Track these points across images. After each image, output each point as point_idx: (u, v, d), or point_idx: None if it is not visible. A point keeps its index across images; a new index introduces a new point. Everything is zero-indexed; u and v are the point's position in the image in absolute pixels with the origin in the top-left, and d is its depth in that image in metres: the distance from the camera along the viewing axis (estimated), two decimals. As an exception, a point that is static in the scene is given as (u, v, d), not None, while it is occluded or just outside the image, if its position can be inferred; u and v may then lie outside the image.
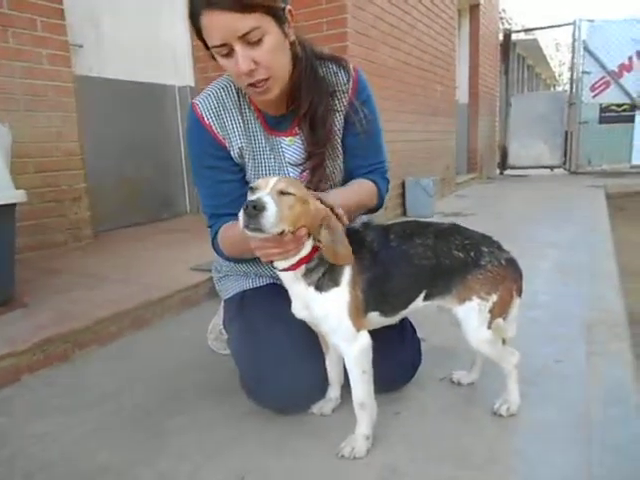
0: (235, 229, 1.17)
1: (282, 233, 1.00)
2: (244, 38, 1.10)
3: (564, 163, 9.31)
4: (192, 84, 4.36)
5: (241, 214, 0.97)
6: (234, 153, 1.33)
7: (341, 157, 1.39)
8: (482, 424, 1.30)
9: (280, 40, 1.16)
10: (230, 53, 1.13)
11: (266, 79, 1.17)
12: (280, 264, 1.12)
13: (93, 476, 1.17)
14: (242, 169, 1.36)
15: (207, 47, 1.18)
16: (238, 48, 1.11)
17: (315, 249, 1.11)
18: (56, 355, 1.76)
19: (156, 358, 1.81)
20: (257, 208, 0.95)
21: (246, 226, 0.97)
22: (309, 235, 1.09)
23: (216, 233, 1.35)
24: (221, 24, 1.09)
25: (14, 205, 2.03)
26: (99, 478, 1.16)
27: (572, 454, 1.17)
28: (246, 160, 1.34)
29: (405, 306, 1.25)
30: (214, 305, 1.86)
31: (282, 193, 1.01)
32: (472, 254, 1.21)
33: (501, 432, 1.27)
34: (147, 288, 2.24)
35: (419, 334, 1.50)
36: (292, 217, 1.01)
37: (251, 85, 1.18)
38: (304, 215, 1.04)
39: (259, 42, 1.12)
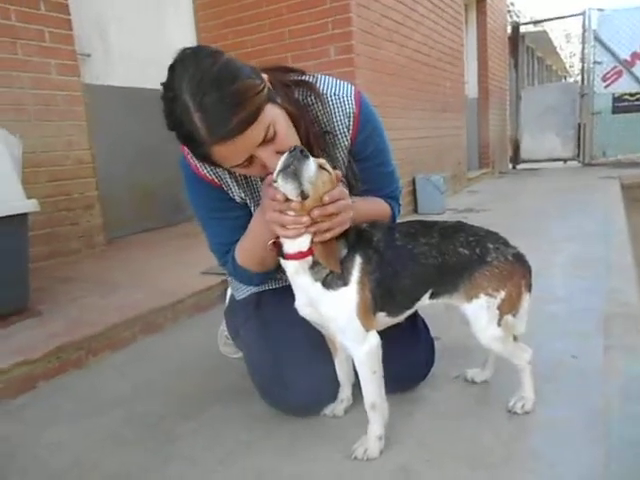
0: (252, 228, 1.18)
1: (304, 199, 1.00)
2: (263, 141, 1.04)
3: (577, 155, 9.18)
4: (200, 89, 4.38)
5: (283, 157, 0.97)
6: (235, 197, 1.29)
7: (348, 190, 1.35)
8: (497, 423, 1.28)
9: (284, 117, 1.10)
10: (251, 161, 1.07)
11: None
12: (288, 246, 1.10)
13: (107, 482, 1.17)
14: (246, 204, 1.32)
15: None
16: (261, 153, 1.06)
17: None
18: (70, 362, 1.78)
19: (168, 363, 1.81)
20: (304, 153, 0.95)
21: (284, 169, 0.96)
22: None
23: (233, 258, 1.30)
24: (240, 147, 1.02)
25: (26, 215, 2.06)
26: (112, 484, 1.16)
27: (589, 452, 1.14)
28: (251, 209, 1.30)
29: (411, 305, 1.25)
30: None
31: (321, 167, 1.02)
32: (478, 251, 1.19)
33: (517, 430, 1.25)
34: (159, 293, 2.25)
35: (432, 333, 1.48)
36: (321, 189, 1.01)
37: None
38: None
39: (275, 134, 1.06)
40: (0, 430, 1.43)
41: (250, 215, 1.30)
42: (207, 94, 0.96)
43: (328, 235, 1.06)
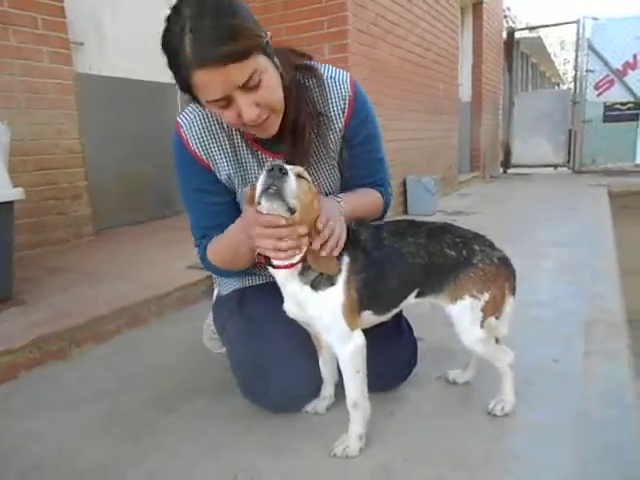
0: (229, 235, 1.17)
1: (292, 213, 1.00)
2: (244, 86, 1.04)
3: (568, 162, 9.26)
4: (193, 82, 4.36)
5: (262, 177, 0.97)
6: (222, 177, 1.29)
7: (337, 176, 1.37)
8: (478, 424, 1.29)
9: (275, 74, 1.12)
10: (229, 103, 1.07)
11: (267, 117, 1.13)
12: (278, 261, 1.11)
13: (85, 474, 1.16)
14: (232, 191, 1.33)
15: (193, 97, 1.11)
16: (240, 98, 1.05)
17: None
18: (52, 352, 1.76)
19: (152, 356, 1.81)
20: (282, 171, 0.94)
21: (265, 190, 0.96)
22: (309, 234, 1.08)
23: (205, 247, 1.31)
24: (218, 79, 1.01)
25: (12, 203, 2.03)
26: (91, 476, 1.16)
27: (569, 454, 1.16)
28: (236, 184, 1.31)
29: (397, 304, 1.26)
30: (211, 304, 1.86)
31: (299, 176, 1.01)
32: (464, 252, 1.20)
33: (497, 432, 1.26)
34: (145, 286, 2.24)
35: (416, 333, 1.49)
36: (305, 200, 1.01)
37: (252, 126, 1.13)
38: (311, 205, 1.04)
39: (259, 84, 1.06)
40: (-22, 419, 1.41)
41: (233, 203, 1.32)
42: (204, 19, 0.99)
43: (336, 252, 1.10)
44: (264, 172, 0.97)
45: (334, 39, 3.83)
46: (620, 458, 1.14)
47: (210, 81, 1.02)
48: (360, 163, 1.36)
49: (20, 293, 2.14)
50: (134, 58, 3.87)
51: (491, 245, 1.25)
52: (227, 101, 1.06)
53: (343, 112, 1.28)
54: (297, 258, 1.09)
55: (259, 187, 0.98)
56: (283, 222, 1.01)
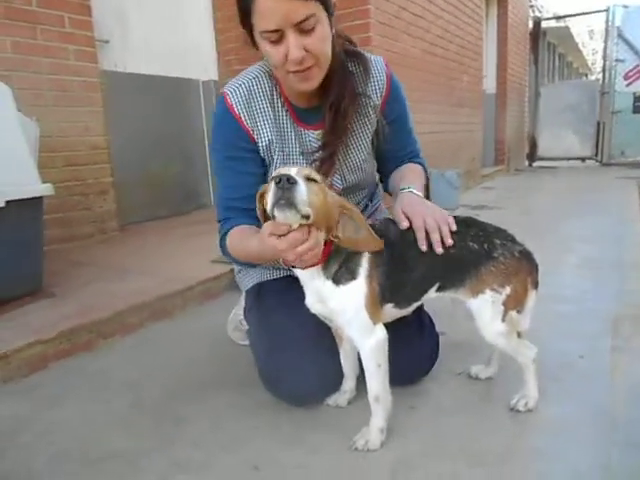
0: (251, 241, 1.16)
1: (307, 219, 0.99)
2: (299, 26, 1.10)
3: (595, 154, 9.05)
4: (216, 78, 4.39)
5: (271, 191, 0.95)
6: (262, 145, 1.32)
7: (369, 149, 1.42)
8: (499, 420, 1.28)
9: (328, 30, 1.18)
10: (280, 40, 1.12)
11: (311, 67, 1.17)
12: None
13: (108, 462, 1.20)
14: (265, 165, 1.35)
15: (249, 31, 1.18)
16: (291, 36, 1.11)
17: (329, 244, 1.11)
18: (81, 344, 1.81)
19: (176, 349, 1.84)
20: (290, 181, 0.94)
21: (276, 202, 0.95)
22: (328, 230, 1.08)
23: (225, 233, 1.31)
24: (279, 10, 1.08)
25: (41, 198, 2.09)
26: (111, 464, 1.19)
27: (592, 452, 1.14)
28: (273, 152, 1.33)
29: (419, 297, 1.25)
30: (234, 297, 1.88)
31: (308, 179, 1.01)
32: (485, 246, 1.19)
33: (519, 429, 1.25)
34: (169, 280, 2.28)
35: (438, 328, 1.49)
36: (318, 203, 1.00)
37: (295, 72, 1.17)
38: (325, 205, 1.03)
39: (312, 30, 1.12)
40: (8, 408, 1.46)
41: (263, 178, 1.32)
42: None
43: (448, 241, 1.17)
44: (272, 185, 0.95)
45: (356, 32, 3.79)
46: (646, 457, 1.12)
47: (273, 8, 1.08)
48: (396, 137, 1.44)
49: (49, 286, 2.19)
50: (158, 55, 3.92)
51: (513, 239, 1.24)
52: (279, 36, 1.12)
53: (381, 91, 1.37)
54: (319, 256, 1.09)
55: (270, 200, 0.97)
56: (305, 237, 0.99)
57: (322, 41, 1.15)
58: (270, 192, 0.97)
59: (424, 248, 1.16)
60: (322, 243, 1.07)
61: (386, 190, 1.55)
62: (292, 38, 1.11)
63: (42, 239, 2.16)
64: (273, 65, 1.22)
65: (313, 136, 1.35)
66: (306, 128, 1.34)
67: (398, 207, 1.24)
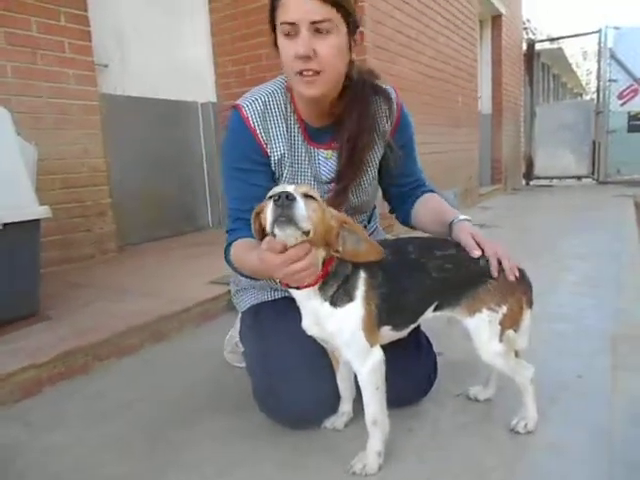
0: (251, 255, 1.16)
1: (307, 235, 0.99)
2: (314, 25, 1.14)
3: (592, 173, 9.12)
4: (214, 100, 4.44)
5: (270, 209, 0.96)
6: (274, 159, 1.33)
7: (374, 181, 1.46)
8: (499, 442, 1.26)
9: (343, 45, 1.21)
10: (294, 35, 1.16)
11: (317, 72, 1.19)
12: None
13: (105, 488, 1.18)
14: (274, 179, 1.36)
15: (273, 28, 1.22)
16: (304, 33, 1.15)
17: (329, 262, 1.11)
18: (77, 367, 1.79)
19: (174, 371, 1.82)
20: (289, 198, 0.94)
21: (276, 219, 0.95)
22: (328, 246, 1.08)
23: (230, 244, 1.31)
24: (301, 5, 1.13)
25: (39, 221, 2.09)
26: (110, 490, 1.17)
27: (592, 473, 1.13)
28: (283, 168, 1.34)
29: (416, 319, 1.25)
30: (232, 318, 1.87)
31: (305, 196, 1.01)
32: (481, 264, 1.20)
33: (519, 450, 1.23)
34: (167, 301, 2.27)
35: (435, 348, 1.48)
36: (317, 219, 1.01)
37: (300, 73, 1.19)
38: (324, 220, 1.04)
39: (326, 35, 1.16)
40: (3, 434, 1.44)
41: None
42: None
43: (515, 271, 1.19)
44: (271, 202, 0.96)
45: (352, 55, 3.86)
46: (647, 478, 1.11)
47: (295, 2, 1.14)
48: (404, 163, 1.46)
49: (46, 309, 2.18)
50: (156, 78, 3.97)
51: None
52: (294, 31, 1.16)
53: (392, 120, 1.40)
54: (315, 276, 1.08)
55: (269, 218, 0.97)
56: (302, 255, 0.99)
57: (332, 49, 1.17)
58: (268, 210, 0.97)
59: (495, 274, 1.19)
60: (319, 263, 1.07)
61: (405, 221, 1.53)
62: (304, 34, 1.15)
63: (39, 261, 2.16)
64: (284, 63, 1.24)
65: (323, 155, 1.36)
66: (316, 147, 1.36)
67: (466, 236, 1.23)
